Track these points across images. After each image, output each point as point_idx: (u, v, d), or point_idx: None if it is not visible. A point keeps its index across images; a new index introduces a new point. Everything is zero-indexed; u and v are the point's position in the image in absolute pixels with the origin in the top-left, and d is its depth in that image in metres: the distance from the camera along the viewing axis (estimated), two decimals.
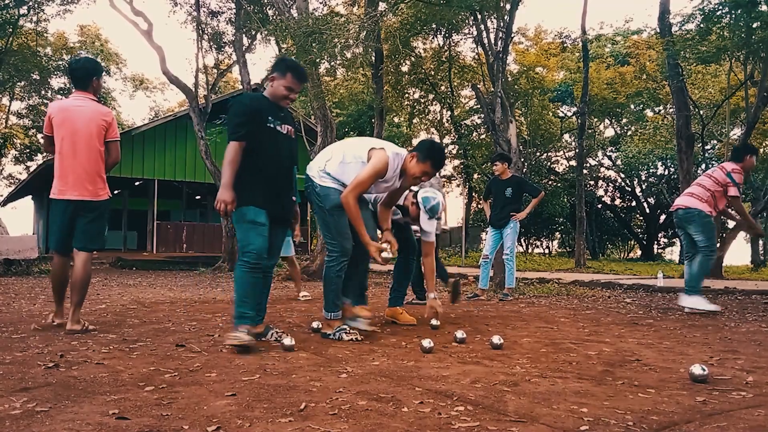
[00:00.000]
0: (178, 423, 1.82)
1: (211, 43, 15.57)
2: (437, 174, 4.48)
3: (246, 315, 3.19)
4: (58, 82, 26.56)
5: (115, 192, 22.15)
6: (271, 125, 3.32)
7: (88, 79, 3.88)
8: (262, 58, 65.91)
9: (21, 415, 1.88)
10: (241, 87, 15.86)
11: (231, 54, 16.04)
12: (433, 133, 28.68)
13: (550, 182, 25.43)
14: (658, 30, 12.78)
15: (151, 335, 3.62)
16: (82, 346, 3.21)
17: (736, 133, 19.96)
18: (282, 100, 3.40)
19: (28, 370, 2.55)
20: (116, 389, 2.24)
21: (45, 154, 23.77)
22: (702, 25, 10.40)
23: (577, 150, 17.75)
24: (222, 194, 3.16)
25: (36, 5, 17.33)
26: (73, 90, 3.93)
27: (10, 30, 17.78)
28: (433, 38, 19.80)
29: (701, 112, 17.40)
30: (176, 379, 2.43)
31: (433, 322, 3.89)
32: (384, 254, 3.51)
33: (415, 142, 23.77)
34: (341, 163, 3.57)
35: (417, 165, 3.54)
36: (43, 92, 26.22)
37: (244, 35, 15.05)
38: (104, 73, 28.38)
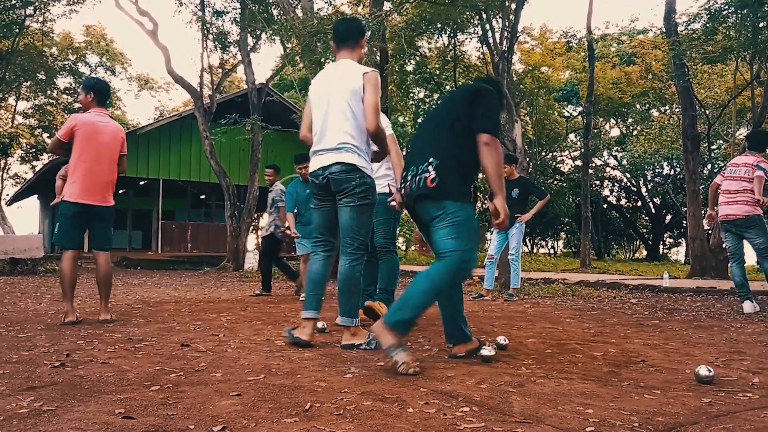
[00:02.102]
0: (184, 423, 1.82)
1: (216, 43, 15.61)
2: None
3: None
4: (63, 82, 26.71)
5: (120, 191, 22.21)
6: None
7: (108, 98, 4.50)
8: (267, 57, 65.97)
9: (28, 414, 1.89)
10: (246, 86, 15.89)
11: (236, 53, 16.10)
12: None
13: (555, 182, 25.37)
14: (664, 29, 12.72)
15: (156, 335, 3.63)
16: (88, 345, 3.22)
17: (742, 132, 19.89)
18: None
19: (34, 369, 2.57)
20: (122, 388, 2.24)
21: (50, 154, 23.91)
22: (708, 25, 10.35)
23: (582, 150, 17.72)
24: (506, 208, 2.80)
25: (42, 5, 17.43)
26: (95, 105, 4.30)
27: (17, 30, 17.90)
28: (438, 38, 19.76)
29: (707, 111, 17.35)
30: (181, 378, 2.44)
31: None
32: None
33: None
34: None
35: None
36: (49, 92, 26.32)
37: (249, 35, 15.11)
38: (110, 72, 28.37)
